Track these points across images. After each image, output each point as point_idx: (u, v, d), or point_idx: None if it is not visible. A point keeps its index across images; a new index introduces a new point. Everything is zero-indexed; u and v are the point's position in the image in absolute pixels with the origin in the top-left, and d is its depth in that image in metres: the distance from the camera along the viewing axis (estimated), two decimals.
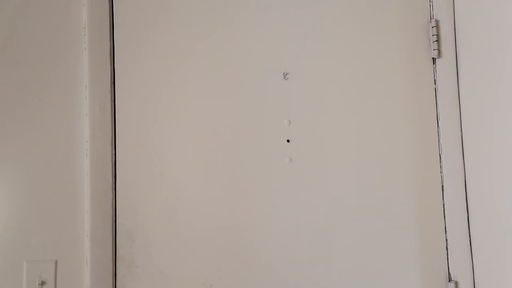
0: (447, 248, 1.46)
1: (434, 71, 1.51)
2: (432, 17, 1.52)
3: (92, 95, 1.36)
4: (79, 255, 1.32)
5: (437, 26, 1.51)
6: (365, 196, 1.45)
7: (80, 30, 1.39)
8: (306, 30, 1.48)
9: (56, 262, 1.31)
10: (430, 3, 1.53)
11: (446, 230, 1.47)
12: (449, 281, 1.45)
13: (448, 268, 1.46)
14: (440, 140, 1.49)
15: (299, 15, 1.48)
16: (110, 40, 1.39)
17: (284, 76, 1.46)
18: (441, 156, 1.49)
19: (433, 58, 1.51)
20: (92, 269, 1.31)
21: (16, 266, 1.29)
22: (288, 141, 1.44)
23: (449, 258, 1.46)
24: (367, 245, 1.44)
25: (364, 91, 1.49)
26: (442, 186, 1.48)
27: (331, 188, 1.45)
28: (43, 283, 1.29)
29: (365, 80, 1.49)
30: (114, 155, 1.37)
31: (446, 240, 1.47)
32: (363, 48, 1.50)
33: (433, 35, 1.50)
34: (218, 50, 1.44)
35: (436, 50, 1.50)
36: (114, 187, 1.36)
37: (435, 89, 1.51)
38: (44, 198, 1.32)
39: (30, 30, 1.37)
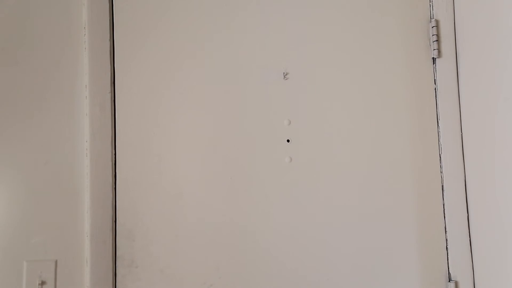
0: (447, 248, 1.46)
1: (434, 71, 1.51)
2: (432, 17, 1.52)
3: (92, 95, 1.36)
4: (79, 255, 1.32)
5: (437, 26, 1.51)
6: (365, 196, 1.45)
7: (80, 30, 1.39)
8: (306, 30, 1.48)
9: (56, 262, 1.31)
10: (430, 3, 1.53)
11: (446, 230, 1.47)
12: (449, 281, 1.45)
13: (448, 268, 1.46)
14: (440, 140, 1.49)
15: (299, 15, 1.48)
16: (110, 40, 1.39)
17: (284, 76, 1.46)
18: (441, 156, 1.49)
19: (433, 58, 1.51)
20: (92, 269, 1.31)
21: (16, 266, 1.29)
22: (288, 141, 1.44)
23: (449, 258, 1.46)
24: (367, 245, 1.44)
25: (364, 91, 1.49)
26: (442, 186, 1.48)
27: (331, 188, 1.45)
28: (43, 283, 1.29)
29: (365, 80, 1.49)
30: (114, 155, 1.37)
31: (446, 240, 1.47)
32: (363, 48, 1.50)
33: (433, 35, 1.50)
34: (218, 50, 1.44)
35: (436, 50, 1.50)
36: (114, 187, 1.36)
37: (435, 89, 1.51)
38: (44, 198, 1.32)
39: (30, 30, 1.37)
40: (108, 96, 1.38)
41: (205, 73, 1.43)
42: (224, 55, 1.44)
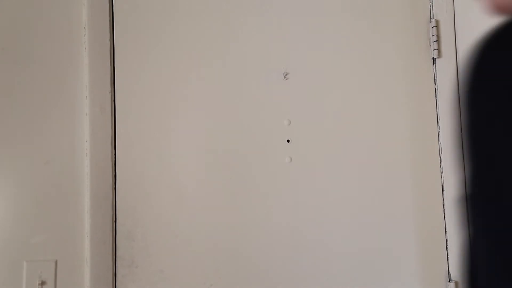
0: (447, 248, 1.46)
1: (434, 71, 1.51)
2: (432, 17, 1.52)
3: (92, 95, 1.36)
4: (79, 255, 1.32)
5: (437, 26, 1.51)
6: (364, 196, 1.45)
7: (80, 30, 1.39)
8: (306, 30, 1.48)
9: (56, 262, 1.31)
10: (430, 3, 1.53)
11: (446, 230, 1.47)
12: (449, 281, 1.45)
13: (448, 268, 1.46)
14: (440, 140, 1.49)
15: (299, 15, 1.48)
16: (110, 40, 1.39)
17: (284, 76, 1.46)
18: (441, 156, 1.49)
19: (433, 58, 1.51)
20: (92, 269, 1.31)
21: (16, 266, 1.29)
22: (288, 141, 1.44)
23: (449, 258, 1.46)
24: (367, 245, 1.44)
25: (364, 91, 1.49)
26: (442, 186, 1.48)
27: (331, 188, 1.45)
28: (43, 283, 1.29)
29: (365, 80, 1.49)
30: (114, 155, 1.37)
31: (446, 240, 1.47)
32: (363, 48, 1.50)
33: (433, 35, 1.50)
34: (218, 50, 1.44)
35: (436, 50, 1.49)
36: (114, 187, 1.36)
37: (435, 89, 1.51)
38: (44, 198, 1.32)
39: (30, 30, 1.37)
40: (108, 96, 1.37)
41: (205, 73, 1.43)
42: (224, 55, 1.44)
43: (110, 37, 1.39)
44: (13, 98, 1.34)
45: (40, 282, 1.29)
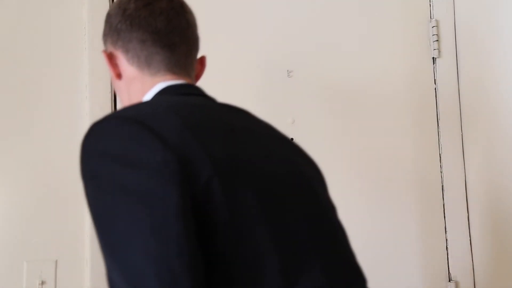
0: (447, 248, 1.46)
1: (434, 71, 1.51)
2: (432, 17, 1.53)
3: (92, 95, 1.36)
4: (79, 255, 1.32)
5: (437, 26, 1.51)
6: (365, 196, 1.45)
7: (80, 30, 1.39)
8: (309, 28, 1.48)
9: (56, 262, 1.31)
10: (430, 3, 1.53)
11: (446, 230, 1.47)
12: (449, 281, 1.45)
13: (448, 268, 1.46)
14: (440, 140, 1.49)
15: (302, 13, 1.48)
16: None
17: (288, 74, 1.45)
18: (441, 156, 1.49)
19: (433, 57, 1.51)
20: (92, 269, 1.31)
21: (16, 266, 1.28)
22: (291, 139, 1.44)
23: (449, 258, 1.46)
24: (367, 245, 1.44)
25: (366, 91, 1.49)
26: (442, 186, 1.48)
27: (331, 188, 1.44)
28: (43, 283, 1.29)
29: (366, 80, 1.49)
30: None
31: (446, 240, 1.47)
32: (363, 47, 1.50)
33: (433, 35, 1.50)
34: (221, 47, 1.43)
35: (436, 50, 1.50)
36: None
37: (435, 89, 1.51)
38: (45, 198, 1.32)
39: (30, 29, 1.37)
40: (108, 96, 1.37)
41: (208, 71, 1.43)
42: (227, 53, 1.43)
43: None
44: (13, 98, 1.34)
45: (40, 282, 1.28)
